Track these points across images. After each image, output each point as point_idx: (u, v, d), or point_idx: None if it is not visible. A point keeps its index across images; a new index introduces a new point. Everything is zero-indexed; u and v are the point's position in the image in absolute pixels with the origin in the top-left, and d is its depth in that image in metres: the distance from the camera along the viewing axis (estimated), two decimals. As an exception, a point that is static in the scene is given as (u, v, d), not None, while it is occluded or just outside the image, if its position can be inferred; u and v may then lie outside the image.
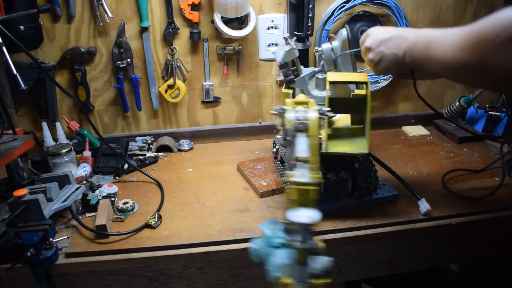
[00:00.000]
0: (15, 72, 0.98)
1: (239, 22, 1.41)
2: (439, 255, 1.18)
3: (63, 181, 1.08)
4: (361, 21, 1.48)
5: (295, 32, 1.44)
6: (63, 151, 1.24)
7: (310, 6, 1.37)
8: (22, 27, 1.15)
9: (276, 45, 1.44)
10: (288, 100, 0.95)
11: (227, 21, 1.39)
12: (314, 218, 0.73)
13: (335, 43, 1.13)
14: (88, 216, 1.10)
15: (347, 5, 1.43)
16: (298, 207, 0.72)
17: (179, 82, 1.45)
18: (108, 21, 1.33)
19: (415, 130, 1.59)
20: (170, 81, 1.44)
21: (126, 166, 1.33)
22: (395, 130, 1.62)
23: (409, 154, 1.42)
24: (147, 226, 1.04)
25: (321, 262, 0.74)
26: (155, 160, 1.41)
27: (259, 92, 1.55)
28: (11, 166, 1.10)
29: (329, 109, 0.94)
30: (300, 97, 1.08)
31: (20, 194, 0.95)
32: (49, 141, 1.35)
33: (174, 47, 1.42)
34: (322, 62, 1.15)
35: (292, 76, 1.12)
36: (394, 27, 0.95)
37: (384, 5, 1.46)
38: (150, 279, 1.03)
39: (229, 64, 1.49)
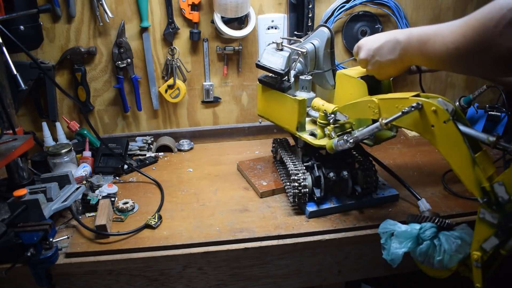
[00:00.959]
0: (15, 72, 0.98)
1: (239, 22, 1.41)
2: (439, 255, 1.18)
3: (63, 181, 1.08)
4: (361, 21, 1.48)
5: (295, 32, 1.44)
6: (63, 151, 1.24)
7: (310, 6, 1.37)
8: (22, 27, 1.15)
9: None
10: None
11: (227, 21, 1.39)
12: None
13: (317, 42, 1.12)
14: (88, 216, 1.10)
15: (347, 5, 1.43)
16: None
17: (179, 82, 1.45)
18: (108, 21, 1.33)
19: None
20: (170, 81, 1.44)
21: (125, 166, 1.33)
22: (395, 130, 1.62)
23: (409, 154, 1.42)
24: (147, 226, 1.04)
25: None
26: (155, 160, 1.41)
27: (259, 92, 1.55)
28: (11, 166, 1.10)
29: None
30: (320, 100, 1.09)
31: (20, 194, 0.95)
32: (49, 141, 1.35)
33: (174, 47, 1.42)
34: (298, 64, 1.12)
35: (289, 83, 1.08)
36: (382, 32, 0.94)
37: (384, 5, 1.46)
38: (150, 279, 1.03)
39: (229, 64, 1.49)
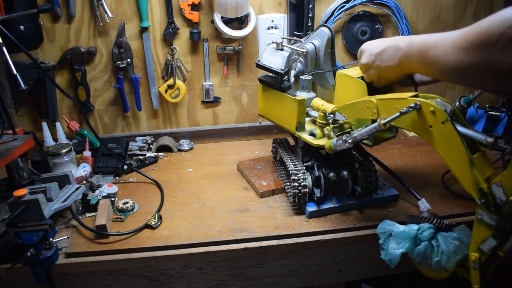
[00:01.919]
0: (15, 72, 0.98)
1: (239, 22, 1.41)
2: (439, 255, 1.18)
3: (63, 181, 1.08)
4: (361, 21, 1.48)
5: (295, 32, 1.44)
6: (63, 151, 1.24)
7: (310, 6, 1.37)
8: (22, 27, 1.15)
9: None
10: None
11: (227, 21, 1.39)
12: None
13: (317, 42, 1.12)
14: (88, 216, 1.10)
15: (347, 5, 1.43)
16: None
17: (179, 82, 1.45)
18: (108, 21, 1.33)
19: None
20: (170, 81, 1.44)
21: (125, 166, 1.33)
22: (395, 130, 1.62)
23: (409, 154, 1.42)
24: (147, 226, 1.04)
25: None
26: (155, 160, 1.41)
27: (259, 92, 1.55)
28: (11, 166, 1.10)
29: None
30: (319, 100, 1.08)
31: (20, 194, 0.95)
32: (49, 141, 1.35)
33: (174, 47, 1.42)
34: (298, 63, 1.12)
35: (289, 83, 1.08)
36: (384, 38, 0.95)
37: (384, 5, 1.46)
38: (150, 279, 1.03)
39: (229, 64, 1.49)
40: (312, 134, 1.07)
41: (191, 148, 1.51)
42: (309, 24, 1.39)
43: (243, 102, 1.56)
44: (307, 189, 1.06)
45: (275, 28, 1.44)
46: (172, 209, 1.13)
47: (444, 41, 0.73)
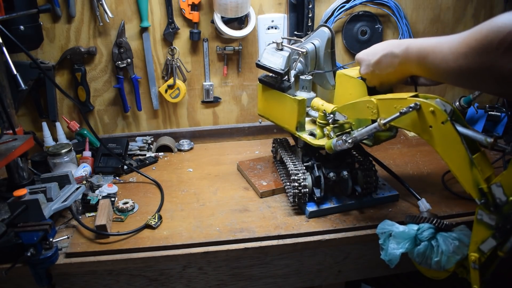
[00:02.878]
0: (15, 72, 0.98)
1: (239, 22, 1.41)
2: (439, 255, 1.18)
3: (63, 181, 1.08)
4: (361, 21, 1.48)
5: (295, 32, 1.44)
6: (63, 151, 1.24)
7: (310, 6, 1.37)
8: (22, 27, 1.15)
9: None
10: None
11: (227, 21, 1.39)
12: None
13: (317, 42, 1.12)
14: (88, 216, 1.10)
15: (347, 5, 1.43)
16: None
17: (179, 82, 1.45)
18: (108, 21, 1.33)
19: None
20: (170, 81, 1.44)
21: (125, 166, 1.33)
22: (395, 130, 1.62)
23: (409, 154, 1.42)
24: (147, 226, 1.04)
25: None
26: (155, 160, 1.41)
27: (259, 92, 1.55)
28: (11, 166, 1.10)
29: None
30: (319, 100, 1.08)
31: (20, 194, 0.95)
32: (49, 141, 1.35)
33: (174, 47, 1.42)
34: (298, 63, 1.12)
35: (289, 83, 1.08)
36: (378, 44, 0.94)
37: (384, 5, 1.46)
38: (150, 279, 1.03)
39: (229, 64, 1.49)
40: (312, 134, 1.07)
41: (191, 148, 1.51)
42: (309, 24, 1.39)
43: (243, 102, 1.56)
44: (307, 189, 1.06)
45: (275, 28, 1.44)
46: (172, 209, 1.13)
47: (443, 47, 0.74)
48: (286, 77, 1.07)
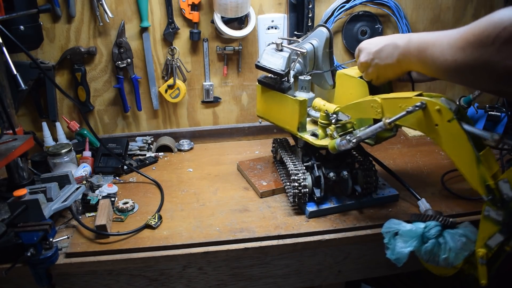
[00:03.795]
0: (15, 72, 0.98)
1: (239, 22, 1.41)
2: (439, 255, 1.18)
3: (63, 181, 1.08)
4: (361, 21, 1.48)
5: (295, 32, 1.44)
6: (63, 151, 1.24)
7: (310, 6, 1.37)
8: (22, 27, 1.15)
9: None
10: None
11: (227, 21, 1.39)
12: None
13: (316, 42, 1.12)
14: (88, 216, 1.10)
15: (347, 5, 1.43)
16: None
17: (179, 82, 1.45)
18: (108, 21, 1.33)
19: (415, 130, 1.59)
20: (170, 81, 1.44)
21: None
22: (395, 130, 1.62)
23: (409, 154, 1.42)
24: (147, 226, 1.04)
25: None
26: (155, 160, 1.41)
27: (259, 92, 1.55)
28: (11, 166, 1.10)
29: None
30: (320, 100, 1.08)
31: (20, 194, 0.95)
32: (49, 141, 1.35)
33: (174, 47, 1.42)
34: (297, 64, 1.12)
35: (289, 84, 1.08)
36: (383, 36, 0.95)
37: (384, 5, 1.46)
38: (150, 279, 1.03)
39: (229, 64, 1.49)
40: (314, 135, 1.07)
41: (191, 148, 1.51)
42: (309, 24, 1.39)
43: (243, 102, 1.56)
44: (307, 189, 1.06)
45: (275, 28, 1.44)
46: (172, 209, 1.13)
47: (442, 40, 0.74)
48: (286, 77, 1.06)
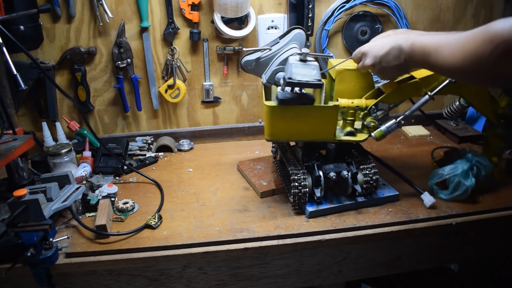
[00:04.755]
0: (15, 72, 0.98)
1: (239, 22, 1.41)
2: (439, 255, 1.18)
3: (63, 181, 1.08)
4: (361, 21, 1.48)
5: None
6: (63, 151, 1.24)
7: (310, 6, 1.37)
8: (22, 27, 1.15)
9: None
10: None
11: (227, 21, 1.39)
12: None
13: (297, 45, 1.11)
14: (88, 216, 1.10)
15: (347, 5, 1.43)
16: None
17: (179, 82, 1.45)
18: (108, 21, 1.33)
19: (415, 130, 1.59)
20: (170, 81, 1.44)
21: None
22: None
23: (409, 154, 1.42)
24: (147, 226, 1.04)
25: None
26: (155, 160, 1.41)
27: (259, 92, 1.55)
28: (11, 166, 1.10)
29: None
30: (346, 100, 1.09)
31: (20, 194, 0.95)
32: (49, 141, 1.35)
33: (174, 47, 1.42)
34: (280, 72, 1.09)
35: (312, 94, 1.05)
36: (384, 37, 0.99)
37: (384, 5, 1.46)
38: (150, 279, 1.03)
39: (229, 64, 1.49)
40: (350, 133, 1.09)
41: (191, 148, 1.51)
42: (309, 24, 1.39)
43: (243, 102, 1.56)
44: (307, 189, 1.06)
45: (275, 28, 1.44)
46: (172, 209, 1.13)
47: (444, 49, 0.80)
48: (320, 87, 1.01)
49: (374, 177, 1.10)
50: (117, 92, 1.45)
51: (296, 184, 1.05)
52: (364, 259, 1.11)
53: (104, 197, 1.13)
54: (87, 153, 1.32)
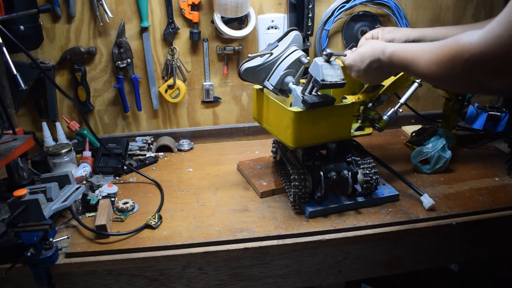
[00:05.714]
0: (15, 72, 0.98)
1: (239, 22, 1.41)
2: (439, 255, 1.18)
3: (63, 181, 1.08)
4: (361, 21, 1.48)
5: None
6: (63, 151, 1.24)
7: (310, 6, 1.37)
8: (22, 27, 1.15)
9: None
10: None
11: (227, 21, 1.39)
12: None
13: (297, 47, 1.11)
14: (88, 216, 1.10)
15: (347, 5, 1.43)
16: None
17: (179, 82, 1.45)
18: (108, 21, 1.33)
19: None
20: (170, 81, 1.44)
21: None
22: (395, 130, 1.62)
23: (409, 154, 1.42)
24: (147, 226, 1.04)
25: None
26: (155, 160, 1.41)
27: (259, 92, 1.54)
28: (11, 166, 1.10)
29: None
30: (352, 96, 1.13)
31: (20, 194, 0.95)
32: (49, 141, 1.35)
33: (174, 47, 1.42)
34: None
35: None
36: (363, 49, 1.00)
37: (384, 5, 1.46)
38: (150, 279, 1.03)
39: (229, 64, 1.49)
40: (359, 129, 1.14)
41: (191, 148, 1.51)
42: (309, 24, 1.39)
43: (243, 102, 1.56)
44: (307, 189, 1.06)
45: (275, 28, 1.44)
46: (172, 209, 1.13)
47: (419, 61, 0.83)
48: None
49: (374, 177, 1.10)
50: (117, 92, 1.45)
51: (296, 183, 1.05)
52: (364, 259, 1.11)
53: (104, 197, 1.13)
54: (87, 153, 1.32)
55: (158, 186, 1.24)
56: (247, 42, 1.46)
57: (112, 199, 1.14)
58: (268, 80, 1.09)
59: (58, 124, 1.37)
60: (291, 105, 1.05)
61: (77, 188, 1.08)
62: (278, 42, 1.11)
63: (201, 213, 1.11)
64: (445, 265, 1.71)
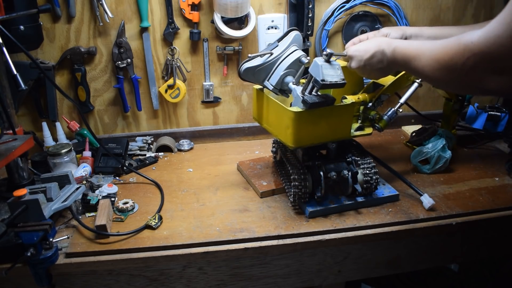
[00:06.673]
0: (15, 72, 0.98)
1: (239, 22, 1.41)
2: (439, 255, 1.18)
3: (63, 181, 1.08)
4: (361, 21, 1.48)
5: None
6: (63, 151, 1.24)
7: (310, 6, 1.37)
8: (22, 27, 1.15)
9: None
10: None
11: (227, 21, 1.39)
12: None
13: (298, 47, 1.11)
14: (88, 216, 1.10)
15: (347, 5, 1.43)
16: None
17: (179, 82, 1.45)
18: (108, 21, 1.33)
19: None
20: (170, 81, 1.44)
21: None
22: (395, 130, 1.62)
23: (409, 154, 1.41)
24: (148, 227, 1.04)
25: None
26: (155, 160, 1.41)
27: (259, 92, 1.55)
28: (11, 166, 1.10)
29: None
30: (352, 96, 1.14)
31: (20, 194, 0.95)
32: (49, 141, 1.35)
33: (174, 47, 1.42)
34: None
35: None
36: (369, 41, 1.02)
37: (384, 5, 1.46)
38: (150, 279, 1.03)
39: (229, 64, 1.49)
40: (359, 129, 1.13)
41: (191, 148, 1.51)
42: (309, 24, 1.39)
43: (243, 102, 1.56)
44: (307, 189, 1.06)
45: (275, 28, 1.44)
46: (172, 209, 1.13)
47: (421, 58, 0.84)
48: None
49: (374, 177, 1.10)
50: (117, 92, 1.45)
51: (296, 183, 1.05)
52: (364, 259, 1.11)
53: (104, 197, 1.13)
54: (87, 153, 1.32)
55: (158, 186, 1.24)
56: (247, 42, 1.46)
57: (112, 199, 1.14)
58: (268, 80, 1.09)
59: (58, 124, 1.37)
60: (291, 105, 1.05)
61: (77, 188, 1.08)
62: (278, 42, 1.11)
63: (201, 213, 1.11)
64: (445, 265, 1.71)
